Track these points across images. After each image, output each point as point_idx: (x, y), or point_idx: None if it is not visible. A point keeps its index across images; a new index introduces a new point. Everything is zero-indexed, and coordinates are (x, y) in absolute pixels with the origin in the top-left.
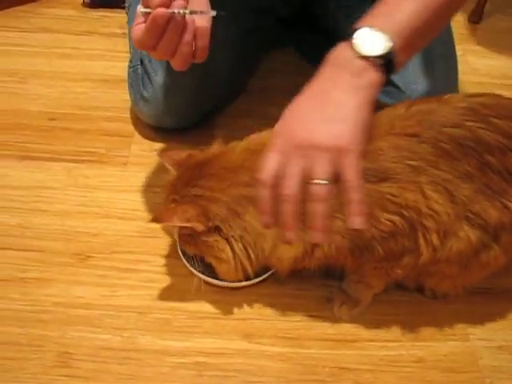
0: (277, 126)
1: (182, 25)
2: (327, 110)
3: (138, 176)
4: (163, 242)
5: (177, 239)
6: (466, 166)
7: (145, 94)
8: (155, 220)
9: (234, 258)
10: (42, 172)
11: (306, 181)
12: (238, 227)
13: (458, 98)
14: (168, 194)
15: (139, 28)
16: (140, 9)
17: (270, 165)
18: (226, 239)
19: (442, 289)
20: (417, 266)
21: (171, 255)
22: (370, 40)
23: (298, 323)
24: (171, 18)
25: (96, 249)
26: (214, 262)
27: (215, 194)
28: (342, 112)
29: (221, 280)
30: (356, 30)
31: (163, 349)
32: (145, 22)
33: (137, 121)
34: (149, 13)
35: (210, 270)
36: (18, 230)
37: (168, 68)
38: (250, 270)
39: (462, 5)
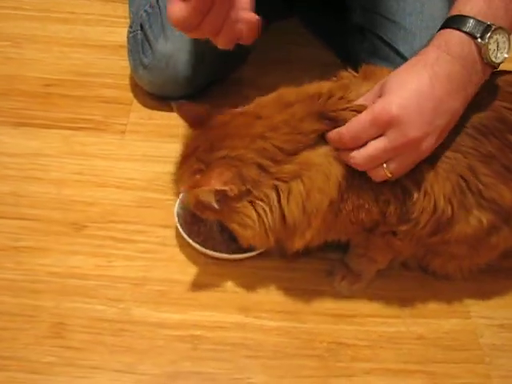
0: (391, 97)
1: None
2: (440, 116)
3: (136, 144)
4: (160, 212)
5: (177, 207)
6: (488, 146)
7: (145, 60)
8: (193, 186)
9: (259, 222)
10: (37, 139)
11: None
12: (265, 185)
13: None
14: (188, 155)
15: (178, 6)
16: None
17: (356, 126)
18: (252, 202)
19: (448, 270)
20: (421, 240)
21: (169, 226)
22: (500, 46)
23: (296, 297)
24: None
25: (92, 218)
26: (237, 229)
27: (241, 152)
28: (449, 122)
29: (219, 252)
30: (483, 25)
31: (159, 321)
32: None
33: (136, 88)
34: None
35: (209, 242)
36: (13, 198)
37: (169, 34)
38: (270, 235)
39: None
